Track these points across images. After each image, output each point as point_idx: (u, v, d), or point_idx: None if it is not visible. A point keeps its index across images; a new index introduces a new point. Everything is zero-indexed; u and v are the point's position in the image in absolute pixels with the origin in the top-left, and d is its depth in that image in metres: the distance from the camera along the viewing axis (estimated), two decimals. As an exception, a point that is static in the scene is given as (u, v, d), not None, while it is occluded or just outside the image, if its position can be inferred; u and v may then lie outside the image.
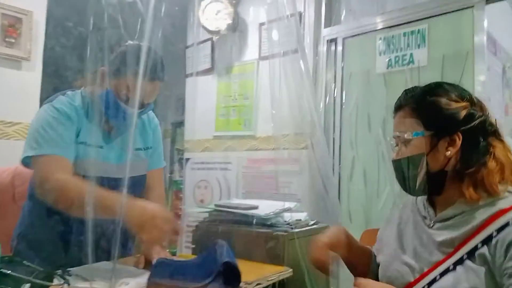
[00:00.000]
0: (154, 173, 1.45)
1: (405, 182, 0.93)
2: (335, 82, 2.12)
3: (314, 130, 1.93)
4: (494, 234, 0.80)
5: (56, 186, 1.09)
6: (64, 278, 0.95)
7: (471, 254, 0.82)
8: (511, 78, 2.17)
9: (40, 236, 1.21)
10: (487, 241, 0.81)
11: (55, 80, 2.19)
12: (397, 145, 0.95)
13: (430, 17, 1.83)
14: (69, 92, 1.27)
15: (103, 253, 1.28)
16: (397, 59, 1.93)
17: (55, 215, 1.22)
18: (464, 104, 0.90)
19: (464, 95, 0.92)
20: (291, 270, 1.24)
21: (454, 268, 0.83)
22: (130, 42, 1.20)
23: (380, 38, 1.99)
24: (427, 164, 0.89)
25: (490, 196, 0.84)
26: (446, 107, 0.89)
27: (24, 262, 0.93)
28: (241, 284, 1.00)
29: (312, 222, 1.51)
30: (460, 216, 0.87)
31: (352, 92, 2.07)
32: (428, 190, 0.92)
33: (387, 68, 1.95)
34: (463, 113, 0.88)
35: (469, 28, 1.72)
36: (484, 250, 0.81)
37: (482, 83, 1.67)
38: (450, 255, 0.85)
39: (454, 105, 0.89)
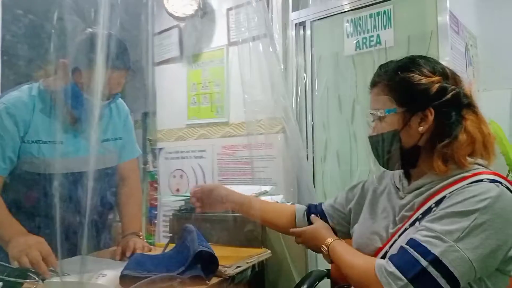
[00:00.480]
0: (128, 164, 1.43)
1: (380, 158, 0.96)
2: (305, 66, 2.13)
3: (287, 113, 1.95)
4: (448, 194, 0.83)
5: None
6: (38, 275, 0.93)
7: (423, 216, 0.85)
8: (473, 55, 2.25)
9: None
10: (439, 203, 0.84)
11: (15, 72, 2.09)
12: (373, 121, 0.97)
13: (394, -2, 1.86)
14: (24, 87, 1.21)
15: (76, 247, 1.26)
16: (364, 40, 1.96)
17: (24, 212, 1.18)
18: (436, 78, 0.89)
19: (436, 69, 0.91)
20: (269, 251, 1.26)
21: (407, 229, 0.88)
22: (90, 29, 1.14)
23: (348, 20, 2.01)
24: (400, 140, 0.90)
25: (459, 168, 0.86)
26: (417, 83, 0.89)
27: (-5, 261, 0.90)
28: (220, 268, 1.01)
29: (289, 204, 1.53)
30: (428, 185, 0.89)
31: (322, 75, 2.09)
32: (402, 165, 0.94)
33: (355, 49, 1.98)
34: (434, 87, 0.88)
35: (433, 8, 1.76)
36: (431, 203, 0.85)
37: (447, 62, 1.72)
38: (409, 218, 0.89)
39: (426, 80, 0.88)
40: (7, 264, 0.90)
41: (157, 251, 1.25)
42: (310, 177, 1.94)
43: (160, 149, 2.53)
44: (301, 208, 1.25)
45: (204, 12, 2.33)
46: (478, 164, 0.88)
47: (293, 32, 2.14)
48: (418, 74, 0.89)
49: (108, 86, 1.16)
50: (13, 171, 1.17)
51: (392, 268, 0.80)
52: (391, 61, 0.97)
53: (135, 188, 1.45)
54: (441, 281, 0.75)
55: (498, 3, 2.29)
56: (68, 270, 1.02)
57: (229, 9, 2.23)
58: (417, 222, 0.86)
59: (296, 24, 2.14)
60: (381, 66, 0.98)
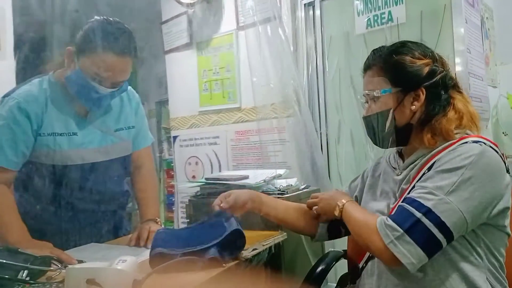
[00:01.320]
0: (142, 151, 1.43)
1: (375, 137, 1.02)
2: (315, 47, 2.10)
3: (298, 96, 1.94)
4: (437, 160, 0.91)
5: None
6: (61, 262, 0.96)
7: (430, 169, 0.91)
8: (489, 28, 2.18)
9: (33, 223, 1.20)
10: (430, 169, 0.91)
11: (30, 67, 2.13)
12: (367, 102, 1.03)
13: (406, -29, 1.81)
14: (35, 80, 1.21)
15: (96, 235, 1.29)
16: (376, 18, 1.92)
17: (43, 202, 1.22)
18: (426, 61, 0.97)
19: (426, 53, 0.98)
20: (285, 233, 1.27)
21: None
22: (96, 17, 1.16)
23: (358, -2, 1.96)
24: (394, 118, 0.97)
25: (445, 140, 0.94)
26: (410, 65, 0.96)
27: (20, 250, 0.94)
28: (237, 251, 1.03)
29: (302, 186, 1.53)
30: (420, 159, 0.97)
31: (334, 55, 2.06)
32: (396, 142, 1.00)
33: (367, 28, 1.94)
34: (425, 69, 0.95)
35: (446, -20, 1.71)
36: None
37: (461, 36, 1.68)
38: (406, 190, 0.96)
39: (418, 62, 0.96)
40: (30, 253, 0.93)
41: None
42: (322, 159, 1.93)
43: (175, 137, 2.56)
44: None
45: (212, -3, 2.31)
46: (466, 134, 0.95)
47: (302, 13, 2.11)
48: (411, 57, 0.97)
49: (114, 73, 1.15)
50: (29, 164, 1.18)
51: (389, 221, 0.88)
52: (383, 46, 1.03)
53: (150, 175, 1.47)
54: (434, 230, 0.83)
55: (515, -28, 2.21)
56: (83, 257, 1.05)
57: (236, -7, 2.20)
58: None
59: (305, 4, 2.11)
60: (374, 51, 1.04)
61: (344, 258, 1.38)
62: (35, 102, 1.16)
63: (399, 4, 1.84)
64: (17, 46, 1.98)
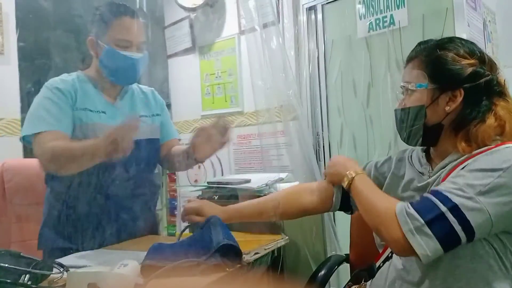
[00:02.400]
0: (170, 142, 1.48)
1: (403, 131, 0.97)
2: (317, 50, 2.11)
3: (299, 100, 1.94)
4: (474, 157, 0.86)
5: (51, 153, 1.15)
6: (63, 266, 0.96)
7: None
8: (492, 32, 2.17)
9: (59, 219, 1.26)
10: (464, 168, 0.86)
11: (33, 72, 2.14)
12: (403, 94, 0.98)
13: (407, -25, 1.81)
14: (64, 75, 1.32)
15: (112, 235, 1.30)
16: (377, 21, 1.92)
17: (70, 196, 1.26)
18: (472, 61, 0.89)
19: (474, 52, 0.91)
20: (287, 237, 1.27)
21: None
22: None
23: (359, 2, 1.97)
24: (425, 116, 0.92)
25: (479, 146, 0.87)
26: (452, 62, 0.90)
27: (22, 254, 0.94)
28: (239, 255, 1.02)
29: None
30: (451, 163, 0.90)
31: (335, 59, 2.06)
32: (424, 141, 0.95)
33: (368, 31, 1.94)
34: (468, 70, 0.88)
35: (447, -16, 1.71)
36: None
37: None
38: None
39: (462, 61, 0.89)
40: (32, 257, 0.93)
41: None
42: (315, 164, 1.93)
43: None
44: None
45: (214, 1, 2.32)
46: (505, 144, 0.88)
47: (304, 17, 2.11)
48: (455, 54, 0.90)
49: (135, 34, 1.26)
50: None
51: (411, 210, 0.82)
52: (431, 39, 0.97)
53: None
54: (457, 227, 0.78)
55: (517, -25, 2.20)
56: (86, 262, 1.05)
57: (238, -3, 2.21)
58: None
59: (306, 8, 2.11)
60: (420, 43, 0.98)
61: (347, 262, 1.37)
62: (66, 83, 1.27)
63: (401, 7, 1.84)
64: (21, 51, 1.99)
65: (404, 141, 0.99)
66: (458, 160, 0.89)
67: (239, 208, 1.26)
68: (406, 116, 0.95)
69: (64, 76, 1.31)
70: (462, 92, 0.88)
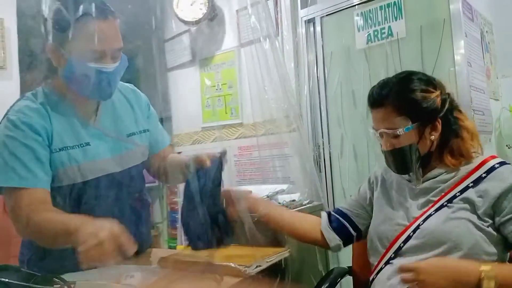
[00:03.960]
0: (162, 152, 1.29)
1: (401, 167, 1.06)
2: (317, 62, 2.12)
3: (299, 112, 1.95)
4: (483, 175, 0.99)
5: (25, 222, 0.96)
6: (63, 281, 0.95)
7: (461, 193, 0.99)
8: (490, 42, 2.19)
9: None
10: (477, 181, 0.98)
11: (35, 87, 2.15)
12: (381, 136, 1.06)
13: (405, -13, 1.84)
14: (28, 94, 1.07)
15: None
16: (376, 33, 1.94)
17: None
18: (437, 92, 1.03)
19: (432, 83, 1.05)
20: (289, 250, 1.26)
21: (444, 206, 0.99)
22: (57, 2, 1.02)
23: (358, 14, 1.99)
24: (418, 151, 1.03)
25: (466, 160, 1.03)
26: (424, 100, 1.02)
27: (22, 268, 0.93)
28: (241, 268, 1.01)
29: (306, 202, 1.53)
30: (445, 173, 1.04)
31: (335, 70, 2.07)
32: (419, 169, 1.05)
33: (367, 43, 1.95)
34: (438, 101, 1.02)
35: (444, -4, 1.73)
36: (471, 194, 0.98)
37: (462, 50, 1.69)
38: (437, 201, 1.01)
39: (431, 95, 1.02)
40: (32, 272, 0.92)
41: (178, 255, 1.26)
42: (316, 175, 1.93)
43: (178, 153, 2.56)
44: (323, 214, 1.23)
45: (214, 15, 2.35)
46: (478, 153, 1.05)
47: (303, 29, 2.13)
48: (421, 91, 1.02)
49: (107, 40, 1.00)
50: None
51: None
52: (387, 82, 1.07)
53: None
54: None
55: (512, -14, 2.23)
56: (88, 278, 1.02)
57: (238, 11, 2.24)
58: (455, 199, 0.99)
59: (305, 21, 2.13)
60: (380, 87, 1.06)
61: (349, 275, 1.36)
62: (37, 115, 1.02)
63: (399, 19, 1.86)
64: (22, 66, 2.01)
65: (400, 174, 1.09)
66: (458, 175, 1.02)
67: (278, 215, 1.23)
68: (400, 155, 1.04)
69: (30, 100, 1.04)
70: (440, 120, 1.02)
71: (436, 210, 1.00)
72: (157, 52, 2.60)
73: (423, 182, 1.06)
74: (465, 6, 1.79)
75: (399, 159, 1.05)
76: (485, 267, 0.83)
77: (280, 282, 1.24)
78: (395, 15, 1.87)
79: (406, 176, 1.09)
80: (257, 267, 1.07)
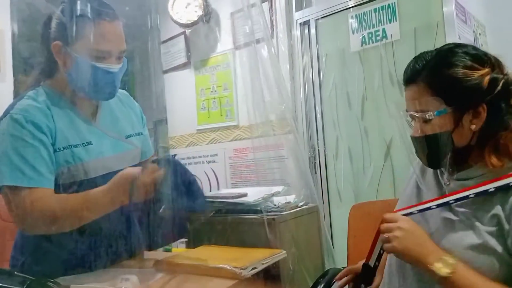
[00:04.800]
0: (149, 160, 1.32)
1: (430, 159, 0.88)
2: (312, 64, 2.13)
3: (294, 114, 1.95)
4: None
5: (41, 219, 0.98)
6: (58, 285, 0.95)
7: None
8: (483, 44, 2.21)
9: (38, 248, 1.10)
10: (502, 189, 0.78)
11: (30, 88, 2.14)
12: (413, 119, 0.89)
13: (398, -10, 1.85)
14: (29, 93, 1.07)
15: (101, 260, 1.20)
16: (370, 35, 1.95)
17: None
18: (485, 70, 0.81)
19: (482, 59, 0.83)
20: (284, 252, 1.26)
21: (470, 225, 0.80)
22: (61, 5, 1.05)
23: (352, 17, 2.00)
24: (452, 141, 0.83)
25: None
26: (466, 79, 0.81)
27: (15, 272, 0.92)
28: (236, 270, 1.01)
29: (301, 204, 1.53)
30: (479, 177, 0.83)
31: (330, 72, 2.08)
32: (452, 165, 0.88)
33: (361, 45, 1.97)
34: (485, 81, 0.80)
35: (437, -2, 1.75)
36: (498, 210, 0.78)
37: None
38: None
39: (475, 74, 0.81)
40: (26, 276, 0.91)
41: (173, 258, 1.26)
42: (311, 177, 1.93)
43: (174, 155, 2.55)
44: None
45: (209, 17, 2.35)
46: None
47: (298, 32, 2.14)
48: (464, 68, 0.81)
49: (114, 41, 1.04)
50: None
51: None
52: (426, 53, 0.88)
53: None
54: None
55: (505, -11, 2.25)
56: (84, 282, 1.01)
57: (233, 13, 2.24)
58: (485, 215, 0.80)
59: (300, 23, 2.14)
60: (417, 60, 0.88)
61: (345, 276, 1.36)
62: (41, 113, 1.02)
63: (393, 21, 1.88)
64: (16, 68, 2.00)
65: (430, 167, 0.92)
66: (486, 176, 0.82)
67: None
68: (430, 143, 0.85)
69: (32, 99, 1.04)
70: (485, 106, 0.81)
71: (460, 225, 0.82)
72: (153, 54, 2.60)
73: (455, 180, 0.87)
74: (459, 8, 1.81)
75: (427, 149, 0.86)
76: (448, 258, 0.78)
77: (276, 284, 1.24)
78: (389, 18, 1.89)
79: (437, 171, 0.91)
80: (252, 269, 1.07)
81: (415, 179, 0.98)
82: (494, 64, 0.83)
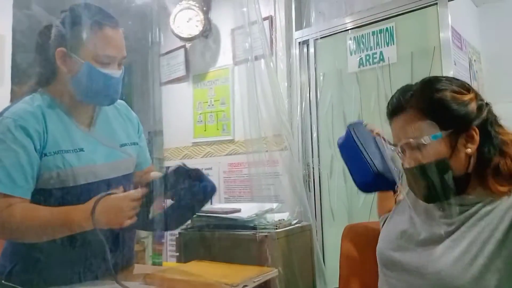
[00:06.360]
0: (148, 169, 1.33)
1: (428, 192, 0.83)
2: (309, 83, 2.15)
3: (290, 131, 1.96)
4: None
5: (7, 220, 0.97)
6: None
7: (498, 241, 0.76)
8: (477, 70, 2.26)
9: (27, 256, 1.07)
10: None
11: (27, 94, 2.13)
12: (403, 152, 0.86)
13: (397, 15, 1.89)
14: (26, 98, 1.08)
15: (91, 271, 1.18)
16: (367, 57, 1.98)
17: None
18: (472, 95, 0.83)
19: (465, 86, 0.85)
20: (276, 270, 1.25)
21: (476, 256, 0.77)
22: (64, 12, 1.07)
23: (350, 38, 2.03)
24: (450, 168, 0.81)
25: None
26: (456, 102, 0.81)
27: (4, 282, 0.91)
28: (227, 287, 1.00)
29: (294, 221, 1.52)
30: (480, 204, 0.81)
31: (327, 92, 2.11)
32: (451, 195, 0.83)
33: (359, 67, 2.00)
34: (473, 105, 0.82)
35: (435, 24, 1.78)
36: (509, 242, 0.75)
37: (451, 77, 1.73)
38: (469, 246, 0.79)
39: (464, 97, 0.82)
40: (14, 285, 0.90)
41: (164, 272, 1.24)
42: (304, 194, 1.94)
43: (168, 167, 2.54)
44: None
45: (209, 32, 2.38)
46: None
47: (297, 51, 2.17)
48: (453, 92, 0.82)
49: (118, 47, 1.08)
50: (35, 194, 1.03)
51: None
52: (410, 85, 0.88)
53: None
54: None
55: (499, 18, 2.32)
56: None
57: (233, 29, 2.27)
58: (487, 246, 0.76)
59: (299, 42, 2.18)
60: (402, 91, 0.88)
61: (336, 296, 1.35)
62: (32, 117, 1.02)
63: (391, 45, 1.91)
64: (15, 72, 1.99)
65: (427, 201, 0.86)
66: (492, 206, 0.79)
67: None
68: (427, 173, 0.81)
69: (27, 103, 1.05)
70: (477, 129, 0.81)
71: (468, 260, 0.77)
72: (152, 66, 2.62)
73: (458, 214, 0.82)
74: (455, 35, 1.85)
75: (425, 180, 0.82)
76: None
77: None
78: (387, 41, 1.92)
79: (437, 203, 0.86)
80: (243, 287, 1.05)
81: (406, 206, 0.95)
82: (476, 92, 0.86)
